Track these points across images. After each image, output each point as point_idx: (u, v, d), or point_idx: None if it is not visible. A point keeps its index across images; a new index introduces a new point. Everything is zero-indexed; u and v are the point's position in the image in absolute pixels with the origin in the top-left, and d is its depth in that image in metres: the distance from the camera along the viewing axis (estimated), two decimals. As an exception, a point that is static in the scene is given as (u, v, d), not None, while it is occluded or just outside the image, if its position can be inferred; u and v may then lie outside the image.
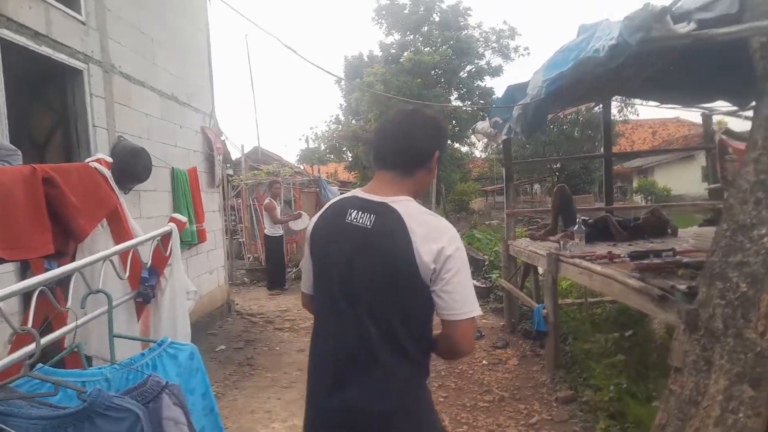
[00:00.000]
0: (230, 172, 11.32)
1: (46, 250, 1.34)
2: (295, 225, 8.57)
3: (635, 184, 26.13)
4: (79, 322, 1.47)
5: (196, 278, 5.60)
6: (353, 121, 20.93)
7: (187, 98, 5.64)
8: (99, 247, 1.82)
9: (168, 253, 1.87)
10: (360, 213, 1.40)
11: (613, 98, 6.61)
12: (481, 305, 7.17)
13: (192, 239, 5.21)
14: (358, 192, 1.51)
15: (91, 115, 3.74)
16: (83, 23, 3.68)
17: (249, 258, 10.23)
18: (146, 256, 1.84)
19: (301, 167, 21.58)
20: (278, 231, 8.37)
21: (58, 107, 3.72)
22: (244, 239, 10.50)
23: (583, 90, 4.70)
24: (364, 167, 19.82)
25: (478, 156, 32.35)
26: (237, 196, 10.62)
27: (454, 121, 18.65)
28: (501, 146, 6.29)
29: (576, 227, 4.42)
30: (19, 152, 1.92)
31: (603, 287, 3.52)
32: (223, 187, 10.06)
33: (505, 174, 6.17)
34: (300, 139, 39.96)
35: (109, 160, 1.94)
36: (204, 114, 6.16)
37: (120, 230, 1.81)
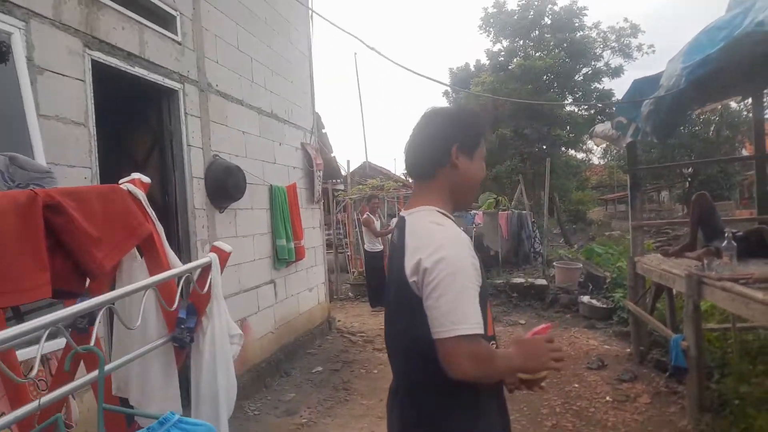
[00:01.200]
0: (341, 187, 11.42)
1: (41, 293, 1.14)
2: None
3: (787, 189, 22.72)
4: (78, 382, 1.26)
5: (295, 296, 5.54)
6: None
7: (287, 115, 5.65)
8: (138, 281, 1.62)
9: (206, 289, 1.63)
10: (395, 230, 1.42)
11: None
12: (601, 328, 6.41)
13: (289, 257, 5.15)
14: None
15: (185, 134, 3.76)
16: (179, 43, 3.73)
17: (354, 273, 10.19)
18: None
19: (410, 180, 21.56)
20: (377, 246, 8.18)
21: (155, 127, 3.79)
22: (349, 253, 10.51)
23: (727, 79, 3.94)
24: (472, 178, 19.30)
25: (596, 163, 30.27)
26: (343, 210, 10.66)
27: (568, 127, 17.48)
28: (623, 151, 5.54)
29: (725, 243, 3.65)
30: (54, 174, 1.80)
31: (767, 319, 2.80)
32: (327, 202, 10.18)
33: (630, 181, 5.41)
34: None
35: (146, 180, 1.74)
36: (304, 130, 6.15)
37: (156, 262, 1.60)
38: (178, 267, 1.61)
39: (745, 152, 20.37)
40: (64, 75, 2.75)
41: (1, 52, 2.21)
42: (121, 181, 1.67)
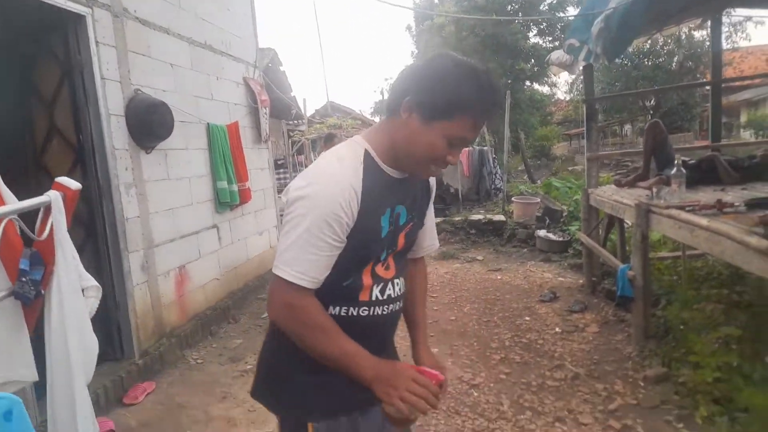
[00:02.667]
0: (304, 128, 10.99)
1: None
2: None
3: (743, 119, 23.10)
4: None
5: (243, 240, 5.32)
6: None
7: (225, 47, 5.20)
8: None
9: (46, 234, 1.38)
10: None
11: (726, 12, 5.38)
12: (557, 261, 6.41)
13: (233, 200, 4.88)
14: None
15: (98, 66, 3.37)
16: (81, -39, 3.27)
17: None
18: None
19: (376, 119, 21.06)
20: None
21: (63, 58, 3.38)
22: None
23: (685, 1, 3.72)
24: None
25: (562, 98, 30.13)
26: (299, 152, 10.31)
27: (533, 60, 17.10)
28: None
29: (674, 170, 3.55)
30: None
31: (710, 246, 2.72)
32: (287, 144, 9.80)
33: (586, 111, 5.24)
34: (375, 92, 39.16)
35: None
36: (246, 64, 5.71)
37: None
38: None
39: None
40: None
41: None
42: None
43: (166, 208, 4.00)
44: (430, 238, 1.43)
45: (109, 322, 3.53)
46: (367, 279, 1.19)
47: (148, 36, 3.93)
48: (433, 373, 1.17)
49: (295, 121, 13.03)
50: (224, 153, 4.82)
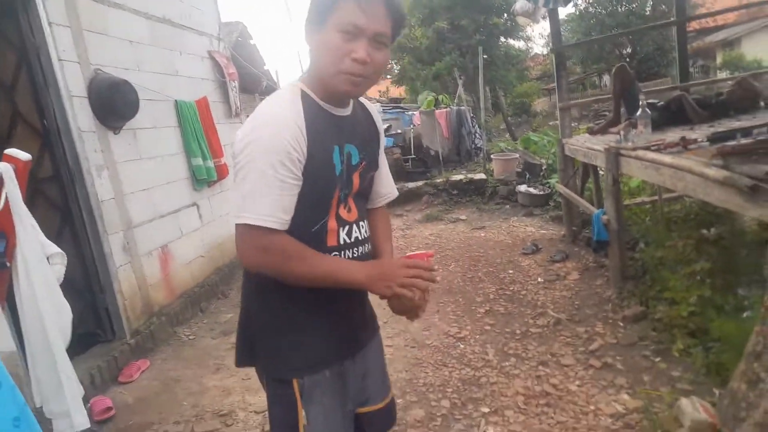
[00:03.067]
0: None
1: None
2: None
3: (719, 60, 23.14)
4: None
5: (225, 216, 5.31)
6: (396, 31, 19.51)
7: (185, 20, 5.08)
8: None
9: (1, 206, 1.39)
10: None
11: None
12: (539, 215, 6.51)
13: (209, 176, 4.85)
14: None
15: (54, 47, 3.29)
16: (24, -62, 3.16)
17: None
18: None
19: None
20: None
21: (17, 42, 3.29)
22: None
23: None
24: (412, 79, 18.67)
25: (539, 53, 29.85)
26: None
27: (505, 15, 16.87)
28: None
29: (639, 112, 3.60)
30: None
31: (674, 182, 2.79)
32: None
33: (555, 60, 5.24)
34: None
35: None
36: (210, 36, 5.60)
37: None
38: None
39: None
40: None
41: None
42: None
43: (141, 188, 3.98)
44: (386, 185, 1.44)
45: (96, 305, 3.55)
46: (332, 222, 1.21)
47: (103, 13, 3.83)
48: (419, 254, 1.23)
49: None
50: (195, 129, 4.78)
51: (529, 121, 19.84)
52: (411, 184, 8.40)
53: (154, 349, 3.76)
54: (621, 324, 3.36)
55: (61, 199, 3.47)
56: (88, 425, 1.52)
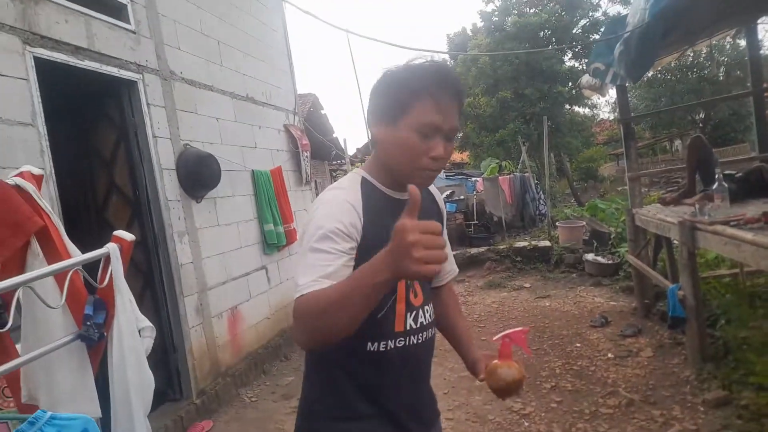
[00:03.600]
0: (346, 167, 11.33)
1: None
2: None
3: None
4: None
5: (290, 280, 5.49)
6: (460, 100, 20.01)
7: (266, 97, 5.52)
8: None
9: (107, 282, 1.54)
10: None
11: (762, 20, 5.27)
12: (608, 285, 6.27)
13: (279, 241, 5.07)
14: None
15: (150, 125, 3.67)
16: (133, 32, 3.61)
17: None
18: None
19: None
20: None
21: (118, 121, 3.70)
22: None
23: (711, 12, 3.70)
24: (474, 145, 18.91)
25: (605, 117, 29.58)
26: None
27: (570, 84, 17.00)
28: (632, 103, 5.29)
29: (716, 185, 3.48)
30: None
31: (757, 260, 2.65)
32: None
33: (623, 130, 5.19)
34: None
35: (37, 172, 1.62)
36: (286, 111, 6.02)
37: (53, 256, 1.50)
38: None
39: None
40: (3, 75, 2.66)
41: None
42: (10, 176, 1.58)
43: (217, 252, 4.22)
44: (449, 262, 1.46)
45: (168, 365, 3.71)
46: (400, 307, 1.20)
47: (194, 94, 4.24)
48: (515, 332, 1.17)
49: (337, 162, 13.40)
50: (269, 196, 5.06)
51: (595, 186, 19.45)
52: (473, 250, 8.35)
53: (218, 410, 3.84)
54: (701, 409, 3.11)
55: (145, 262, 3.74)
56: None
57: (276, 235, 5.01)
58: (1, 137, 2.60)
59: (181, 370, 3.72)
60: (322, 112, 16.55)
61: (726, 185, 3.44)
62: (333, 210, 1.09)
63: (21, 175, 1.56)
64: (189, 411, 3.58)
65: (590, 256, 7.01)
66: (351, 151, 18.79)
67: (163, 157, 3.74)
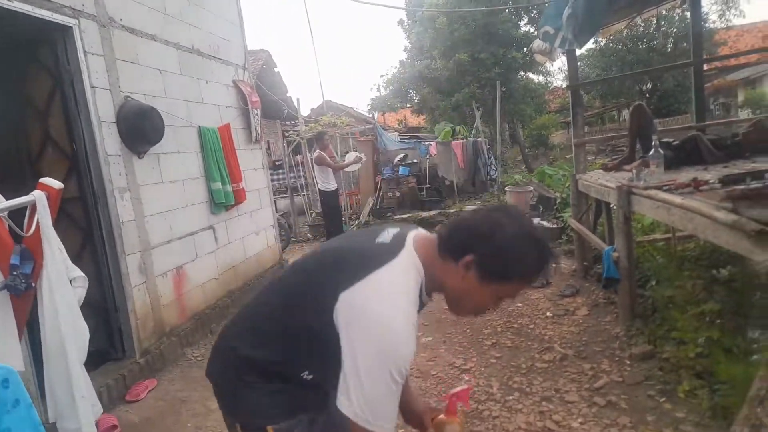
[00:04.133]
0: (300, 128, 11.08)
1: None
2: (352, 168, 8.30)
3: (741, 98, 23.04)
4: None
5: (240, 240, 5.43)
6: (417, 62, 19.81)
7: (213, 51, 5.30)
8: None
9: (33, 231, 1.49)
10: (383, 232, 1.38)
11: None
12: (552, 247, 6.59)
13: (227, 200, 4.98)
14: None
15: (88, 75, 3.47)
16: (65, -27, 3.36)
17: (312, 213, 10.09)
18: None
19: (373, 116, 21.08)
20: (332, 184, 8.03)
21: (53, 69, 3.48)
22: (308, 195, 10.36)
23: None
24: (432, 109, 18.89)
25: (559, 86, 30.04)
26: (293, 153, 10.39)
27: (525, 49, 17.07)
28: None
29: (652, 152, 3.63)
30: None
31: (684, 223, 2.80)
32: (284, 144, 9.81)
33: (571, 97, 5.30)
34: (371, 89, 39.07)
35: None
36: (235, 66, 5.81)
37: None
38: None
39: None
40: None
41: None
42: None
43: (161, 210, 4.11)
44: None
45: (110, 324, 3.64)
46: None
47: (135, 43, 4.03)
48: (461, 391, 1.41)
49: (292, 122, 13.12)
50: (217, 155, 4.92)
51: (546, 153, 19.88)
52: (425, 213, 8.47)
53: (163, 370, 3.82)
54: (628, 362, 3.33)
55: (84, 219, 3.60)
56: None
57: (224, 194, 4.91)
58: None
59: (124, 329, 3.65)
60: (276, 70, 16.06)
61: (661, 152, 3.60)
62: (409, 349, 1.14)
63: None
64: (132, 370, 3.53)
65: (536, 220, 7.22)
66: (305, 111, 18.46)
67: (102, 109, 3.56)
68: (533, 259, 1.19)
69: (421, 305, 1.28)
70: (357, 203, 10.15)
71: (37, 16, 3.13)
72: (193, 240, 4.55)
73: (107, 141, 3.60)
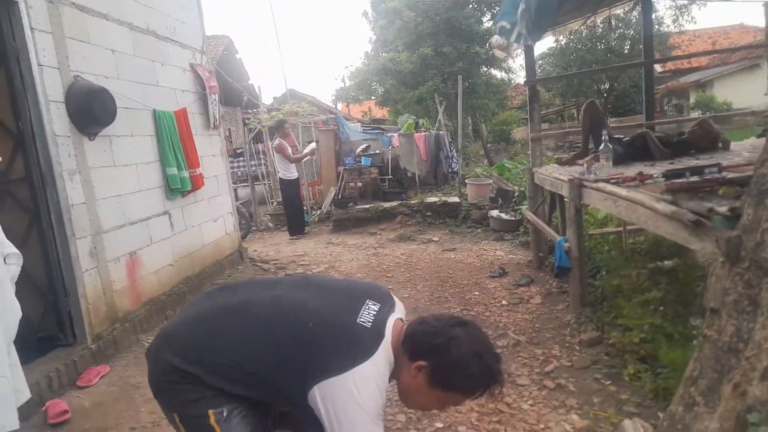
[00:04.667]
0: (262, 116, 10.91)
1: None
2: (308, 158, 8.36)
3: (692, 100, 24.05)
4: None
5: (197, 227, 5.33)
6: (382, 53, 19.74)
7: (169, 32, 5.16)
8: None
9: None
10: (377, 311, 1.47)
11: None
12: (509, 240, 6.64)
13: (183, 186, 4.87)
14: None
15: (35, 52, 3.33)
16: (11, -56, 3.21)
17: (273, 203, 9.99)
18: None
19: (336, 107, 20.92)
20: (293, 173, 7.99)
21: (-2, 45, 3.33)
22: (268, 183, 10.24)
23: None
24: (395, 102, 18.89)
25: (520, 83, 30.57)
26: (255, 140, 10.24)
27: (487, 45, 17.28)
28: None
29: (602, 146, 3.77)
30: None
31: (629, 214, 2.94)
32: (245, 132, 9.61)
33: (528, 93, 5.44)
34: (336, 79, 38.75)
35: None
36: (193, 50, 5.67)
37: None
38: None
39: (658, 67, 21.25)
40: None
41: None
42: None
43: (113, 194, 4.00)
44: None
45: (59, 308, 3.53)
46: None
47: (86, 21, 3.88)
48: None
49: (254, 110, 12.93)
50: (173, 139, 4.81)
51: (507, 148, 20.23)
52: (386, 204, 8.51)
53: (116, 355, 3.74)
54: (577, 348, 3.47)
55: (31, 201, 3.47)
56: (17, 427, 1.54)
57: (180, 179, 4.80)
58: None
59: (74, 314, 3.54)
60: (237, 56, 15.78)
61: (611, 146, 3.74)
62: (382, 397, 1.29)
63: None
64: (83, 356, 3.44)
65: (495, 213, 7.39)
66: (268, 99, 18.20)
67: (49, 88, 3.42)
68: (479, 380, 1.32)
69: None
70: (319, 193, 10.11)
71: (-20, -13, 2.99)
72: (147, 225, 4.44)
73: (55, 121, 3.47)
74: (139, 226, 4.31)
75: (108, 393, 3.21)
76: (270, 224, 9.47)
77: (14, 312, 1.54)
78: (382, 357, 1.29)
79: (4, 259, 1.52)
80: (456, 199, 8.31)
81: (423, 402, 1.40)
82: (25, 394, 1.77)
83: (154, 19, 4.87)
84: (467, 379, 1.30)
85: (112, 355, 3.71)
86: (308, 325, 1.31)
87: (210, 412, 1.31)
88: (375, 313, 1.37)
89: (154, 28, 4.86)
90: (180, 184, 4.80)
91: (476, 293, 4.80)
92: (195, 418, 1.34)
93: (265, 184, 10.29)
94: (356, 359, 1.24)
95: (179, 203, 4.99)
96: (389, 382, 1.36)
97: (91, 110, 3.60)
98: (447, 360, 1.29)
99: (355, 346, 1.26)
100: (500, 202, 7.77)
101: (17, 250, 1.58)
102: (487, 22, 17.84)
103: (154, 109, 4.64)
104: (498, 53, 5.53)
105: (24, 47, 3.28)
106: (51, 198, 3.44)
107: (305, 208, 9.04)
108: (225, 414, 1.32)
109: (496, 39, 4.75)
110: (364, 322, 1.33)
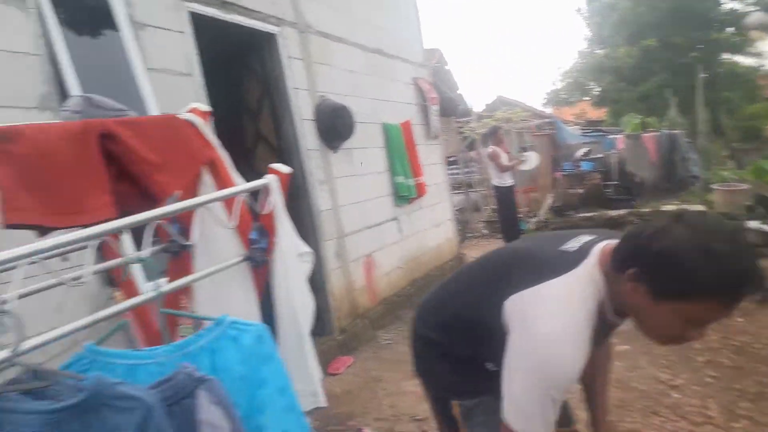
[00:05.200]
0: (473, 124, 11.12)
1: (105, 213, 1.19)
2: (524, 166, 7.96)
3: None
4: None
5: (421, 232, 5.58)
6: (597, 51, 18.39)
7: (395, 50, 5.52)
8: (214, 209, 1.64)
9: (266, 210, 1.65)
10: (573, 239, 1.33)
11: None
12: (752, 264, 5.60)
13: (409, 193, 5.16)
14: None
15: (291, 77, 3.84)
16: (270, -14, 3.75)
17: (487, 209, 9.96)
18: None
19: (548, 111, 20.20)
20: (507, 180, 7.80)
21: (261, 74, 3.92)
22: (483, 190, 10.26)
23: None
24: (614, 101, 17.39)
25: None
26: (468, 148, 10.35)
27: (733, 28, 14.81)
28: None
29: None
30: (129, 111, 1.81)
31: None
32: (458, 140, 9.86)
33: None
34: (546, 83, 37.30)
35: (204, 108, 1.74)
36: (414, 65, 5.98)
37: (222, 184, 1.64)
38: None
39: None
40: (164, 29, 2.90)
41: (102, 11, 2.40)
42: (181, 110, 1.73)
43: (353, 201, 4.40)
44: None
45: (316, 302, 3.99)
46: None
47: (328, 47, 4.37)
48: None
49: (464, 118, 13.15)
50: (399, 150, 5.12)
51: (759, 147, 17.04)
52: (613, 212, 7.81)
53: (357, 348, 4.08)
54: None
55: (289, 208, 3.98)
56: (326, 404, 1.75)
57: (407, 187, 5.10)
58: (166, 85, 2.84)
59: (324, 308, 3.96)
60: (446, 67, 16.27)
61: None
62: (576, 362, 1.07)
63: (192, 110, 1.71)
64: (331, 346, 3.84)
65: (754, 224, 6.19)
66: (477, 107, 18.36)
67: (302, 108, 3.93)
68: (710, 273, 0.93)
69: (606, 327, 1.19)
70: (534, 200, 9.77)
71: (247, 26, 3.55)
72: (380, 230, 4.78)
73: (307, 137, 3.96)
74: (373, 231, 4.67)
75: (353, 383, 3.50)
76: (484, 231, 9.46)
77: (311, 304, 1.75)
78: (583, 274, 1.12)
79: (299, 258, 1.73)
80: (700, 208, 7.22)
81: (659, 324, 1.06)
82: (320, 374, 2.00)
83: (383, 39, 5.27)
84: (690, 274, 0.94)
85: (355, 348, 4.05)
86: (516, 255, 1.32)
87: (454, 403, 1.40)
88: (585, 241, 1.21)
89: (383, 47, 5.25)
90: (407, 192, 5.09)
91: (739, 319, 4.03)
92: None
93: (478, 192, 10.33)
94: (552, 274, 1.12)
95: (405, 210, 5.27)
96: (622, 315, 1.16)
97: (334, 126, 4.03)
98: (655, 255, 0.99)
99: (552, 264, 1.16)
100: (760, 211, 6.50)
101: (311, 249, 1.78)
102: (728, 2, 15.31)
103: (383, 123, 4.99)
104: (756, 34, 4.63)
105: (281, 74, 3.82)
106: (305, 205, 3.92)
107: (520, 215, 8.80)
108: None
109: (756, 17, 3.97)
110: (568, 248, 1.20)
